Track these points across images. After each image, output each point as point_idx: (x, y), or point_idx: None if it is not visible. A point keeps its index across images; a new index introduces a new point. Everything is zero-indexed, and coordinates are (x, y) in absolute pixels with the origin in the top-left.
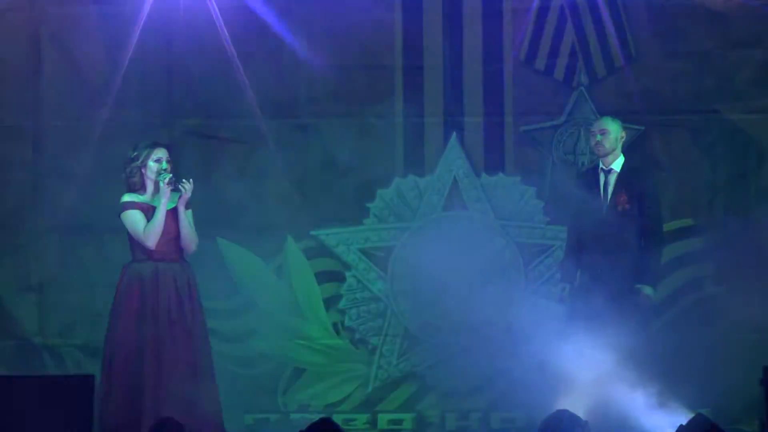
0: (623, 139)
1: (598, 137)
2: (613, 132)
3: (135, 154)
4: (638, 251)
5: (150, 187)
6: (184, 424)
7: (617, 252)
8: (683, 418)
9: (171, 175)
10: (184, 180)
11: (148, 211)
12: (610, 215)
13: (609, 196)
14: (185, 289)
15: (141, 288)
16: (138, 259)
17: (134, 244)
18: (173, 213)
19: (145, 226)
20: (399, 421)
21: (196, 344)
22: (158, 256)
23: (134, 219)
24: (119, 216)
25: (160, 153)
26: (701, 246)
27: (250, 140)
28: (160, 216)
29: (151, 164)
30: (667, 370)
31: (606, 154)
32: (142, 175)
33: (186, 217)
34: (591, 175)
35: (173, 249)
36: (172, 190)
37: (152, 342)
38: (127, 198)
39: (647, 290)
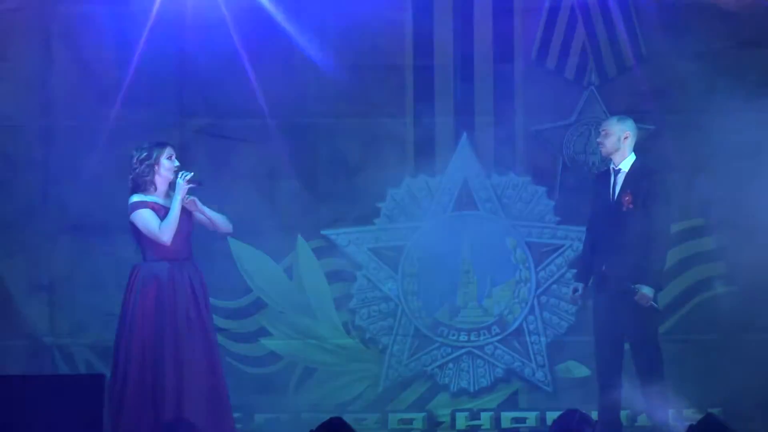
0: (627, 139)
1: (600, 137)
2: (614, 133)
3: (146, 153)
4: (640, 251)
5: (161, 185)
6: (202, 422)
7: (621, 251)
8: (694, 417)
9: (192, 173)
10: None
11: (159, 211)
12: (616, 215)
13: (616, 196)
14: (199, 288)
15: (157, 287)
16: (151, 259)
17: (146, 244)
18: (186, 211)
19: (161, 223)
20: (409, 421)
21: (211, 343)
22: (172, 256)
23: (147, 218)
24: (129, 216)
25: (171, 150)
26: (712, 246)
27: (261, 140)
28: (176, 212)
29: (165, 162)
30: (677, 369)
31: (608, 154)
32: (154, 174)
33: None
34: (604, 174)
35: (186, 248)
36: (191, 188)
37: (171, 341)
38: (136, 198)
39: (645, 290)
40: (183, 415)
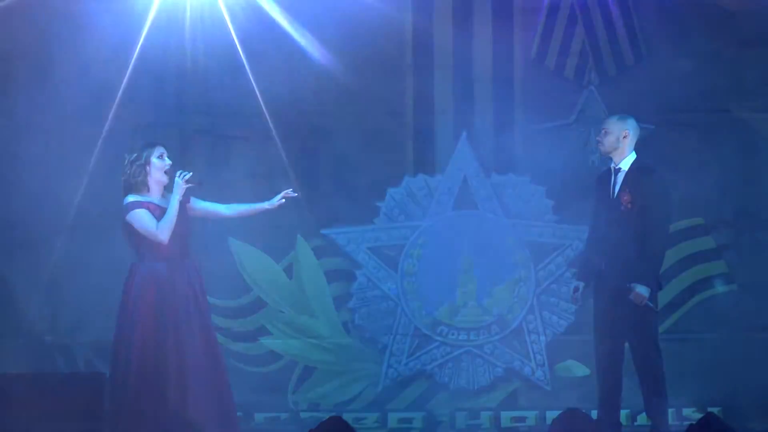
0: (627, 138)
1: (599, 136)
2: (613, 132)
3: (136, 155)
4: (638, 250)
5: (154, 185)
6: (205, 421)
7: (620, 251)
8: (694, 416)
9: (191, 172)
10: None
11: (155, 211)
12: (614, 214)
13: (615, 195)
14: (198, 286)
15: (157, 286)
16: (149, 258)
17: (144, 244)
18: (182, 210)
19: (159, 222)
20: (409, 420)
21: (211, 341)
22: (170, 255)
23: (144, 217)
24: (125, 217)
25: (161, 149)
26: (712, 245)
27: (260, 139)
28: (173, 211)
29: (156, 161)
30: (676, 368)
31: (607, 152)
32: (146, 174)
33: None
34: (606, 173)
35: (183, 247)
36: (189, 188)
37: (172, 339)
38: (131, 198)
39: (639, 289)
40: (186, 414)
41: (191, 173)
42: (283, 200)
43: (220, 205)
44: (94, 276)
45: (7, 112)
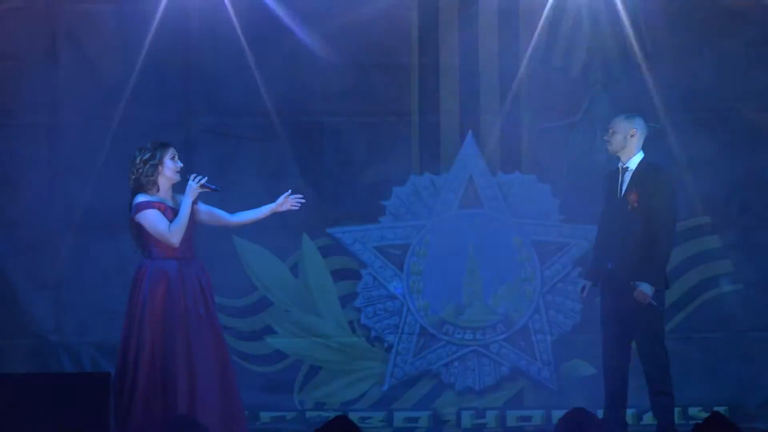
0: (634, 137)
1: (606, 135)
2: (621, 131)
3: (149, 154)
4: (644, 249)
5: (164, 185)
6: (213, 421)
7: (627, 250)
8: (700, 416)
9: (206, 177)
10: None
11: (166, 211)
12: (622, 213)
13: (622, 194)
14: (207, 285)
15: (168, 286)
16: (158, 257)
17: (152, 243)
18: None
19: (171, 224)
20: (415, 419)
21: (221, 340)
22: (179, 254)
23: (155, 218)
24: (135, 216)
25: (174, 150)
26: (718, 244)
27: (266, 139)
28: (186, 214)
29: (168, 162)
30: (682, 367)
31: (615, 151)
32: (157, 174)
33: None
34: (613, 172)
35: (190, 247)
36: (202, 192)
37: (182, 338)
38: (142, 198)
39: (642, 287)
40: (195, 414)
41: (206, 178)
42: (296, 205)
43: (225, 213)
44: (99, 275)
45: (13, 112)
